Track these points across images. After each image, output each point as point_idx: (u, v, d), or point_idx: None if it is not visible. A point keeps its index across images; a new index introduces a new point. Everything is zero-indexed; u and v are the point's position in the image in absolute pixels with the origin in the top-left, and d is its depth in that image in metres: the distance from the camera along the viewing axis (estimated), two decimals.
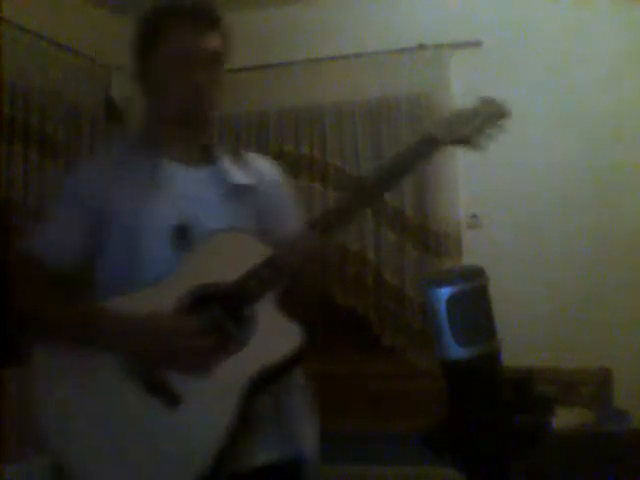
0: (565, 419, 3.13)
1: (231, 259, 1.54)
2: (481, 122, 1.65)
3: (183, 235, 1.58)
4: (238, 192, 1.67)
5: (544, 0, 4.22)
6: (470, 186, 4.20)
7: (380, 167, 1.61)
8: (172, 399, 1.46)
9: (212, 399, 1.46)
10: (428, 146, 1.61)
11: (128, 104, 4.58)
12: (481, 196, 4.22)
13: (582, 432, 3.22)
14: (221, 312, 1.50)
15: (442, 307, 1.36)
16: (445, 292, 1.36)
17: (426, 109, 4.29)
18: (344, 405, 3.92)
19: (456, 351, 1.36)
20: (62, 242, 1.60)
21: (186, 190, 1.64)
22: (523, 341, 3.53)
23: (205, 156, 1.71)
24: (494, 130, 1.66)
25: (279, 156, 4.27)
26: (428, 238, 4.26)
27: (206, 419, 1.45)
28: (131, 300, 1.52)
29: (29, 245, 1.62)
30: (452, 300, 1.35)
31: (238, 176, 1.69)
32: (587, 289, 4.00)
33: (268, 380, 1.49)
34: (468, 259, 4.17)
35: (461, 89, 4.21)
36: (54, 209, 1.67)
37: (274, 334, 1.49)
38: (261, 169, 1.76)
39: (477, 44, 4.22)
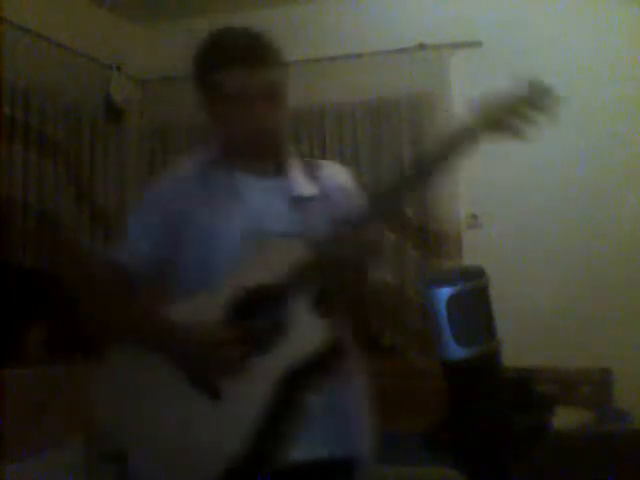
0: (565, 419, 3.12)
1: (278, 263, 1.61)
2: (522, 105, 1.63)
3: (250, 244, 1.65)
4: (302, 203, 1.73)
5: (544, 0, 4.23)
6: (470, 186, 4.19)
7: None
8: (213, 392, 1.56)
9: (248, 392, 1.55)
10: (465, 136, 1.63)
11: (128, 104, 4.58)
12: (481, 196, 4.21)
13: (582, 432, 3.22)
14: (259, 316, 1.60)
15: (442, 307, 1.36)
16: (445, 292, 1.36)
17: (426, 109, 4.29)
18: None
19: (456, 351, 1.36)
20: (140, 250, 1.76)
21: (255, 201, 1.72)
22: (523, 341, 3.52)
23: (278, 167, 1.78)
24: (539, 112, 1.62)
25: None
26: (428, 238, 4.26)
27: (241, 410, 1.55)
28: (186, 306, 1.66)
29: (112, 254, 1.80)
30: (452, 300, 1.36)
31: (303, 187, 1.76)
32: (587, 289, 4.00)
33: (301, 374, 1.56)
34: (468, 259, 4.17)
35: (461, 89, 4.21)
36: (132, 219, 1.82)
37: (306, 332, 1.57)
38: (324, 178, 1.81)
39: (477, 44, 4.22)
